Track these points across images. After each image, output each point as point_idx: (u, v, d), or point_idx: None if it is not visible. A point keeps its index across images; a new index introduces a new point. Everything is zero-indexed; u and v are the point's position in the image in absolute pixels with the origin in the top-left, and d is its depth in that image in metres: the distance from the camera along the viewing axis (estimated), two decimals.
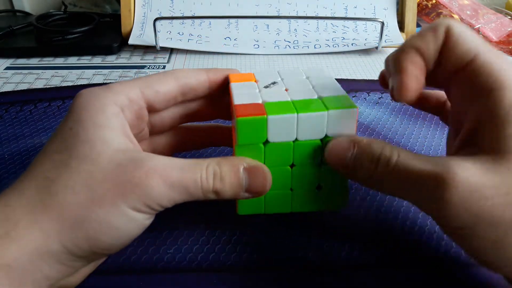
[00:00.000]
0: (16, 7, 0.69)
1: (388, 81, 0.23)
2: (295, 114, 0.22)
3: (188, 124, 0.29)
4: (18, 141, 0.36)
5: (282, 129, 0.22)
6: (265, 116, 0.22)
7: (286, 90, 0.25)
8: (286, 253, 0.25)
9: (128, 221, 0.20)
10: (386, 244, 0.26)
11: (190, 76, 0.25)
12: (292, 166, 0.24)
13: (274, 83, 0.25)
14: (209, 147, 0.30)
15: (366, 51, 0.55)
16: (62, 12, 0.61)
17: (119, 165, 0.20)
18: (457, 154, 0.20)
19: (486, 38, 0.58)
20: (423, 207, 0.20)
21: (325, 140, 0.23)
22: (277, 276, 0.24)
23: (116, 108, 0.22)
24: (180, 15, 0.57)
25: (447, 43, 0.21)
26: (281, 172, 0.24)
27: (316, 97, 0.23)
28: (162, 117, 0.27)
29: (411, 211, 0.28)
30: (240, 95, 0.24)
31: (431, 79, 0.22)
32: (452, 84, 0.22)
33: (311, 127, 0.22)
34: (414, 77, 0.21)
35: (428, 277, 0.24)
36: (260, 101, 0.23)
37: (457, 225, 0.18)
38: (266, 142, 0.23)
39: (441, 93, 0.27)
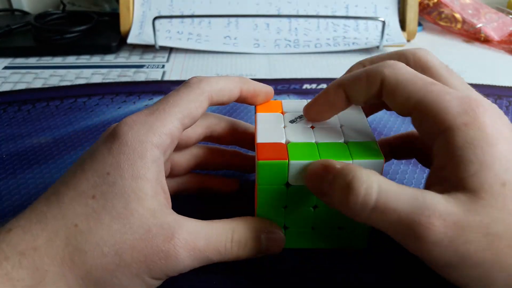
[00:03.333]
0: (15, 6, 0.68)
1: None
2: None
3: (209, 145, 0.29)
4: (16, 141, 0.35)
5: (303, 174, 0.21)
6: (287, 161, 0.21)
7: (312, 127, 0.24)
8: (286, 253, 0.25)
9: (142, 287, 0.20)
10: (386, 244, 0.26)
11: (223, 90, 0.24)
12: (314, 207, 0.23)
13: (301, 117, 0.24)
14: (226, 169, 0.30)
15: (367, 50, 0.55)
16: (60, 11, 0.61)
17: (149, 232, 0.20)
18: (430, 189, 0.19)
19: (488, 37, 0.58)
20: (405, 246, 0.19)
21: None
22: (277, 276, 0.24)
23: (156, 152, 0.21)
24: (180, 14, 0.56)
25: (384, 93, 0.21)
26: (304, 212, 0.23)
27: (342, 140, 0.22)
28: (187, 135, 0.26)
29: None
30: (264, 130, 0.23)
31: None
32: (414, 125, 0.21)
33: None
34: (322, 106, 0.23)
35: (428, 276, 0.24)
36: (283, 141, 0.22)
37: (442, 264, 0.18)
38: (288, 184, 0.22)
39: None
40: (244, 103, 0.26)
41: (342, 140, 0.22)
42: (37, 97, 0.43)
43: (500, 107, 0.42)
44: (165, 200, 0.21)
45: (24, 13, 0.67)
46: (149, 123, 0.21)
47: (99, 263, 0.19)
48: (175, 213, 0.21)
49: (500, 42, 0.58)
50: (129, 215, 0.19)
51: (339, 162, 0.20)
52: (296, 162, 0.21)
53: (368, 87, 0.21)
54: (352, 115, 0.24)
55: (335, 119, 0.24)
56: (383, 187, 0.18)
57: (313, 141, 0.22)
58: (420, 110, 0.20)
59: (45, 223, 0.19)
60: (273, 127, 0.24)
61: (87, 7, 0.68)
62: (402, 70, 0.21)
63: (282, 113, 0.25)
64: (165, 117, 0.21)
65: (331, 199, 0.20)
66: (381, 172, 0.21)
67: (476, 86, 0.24)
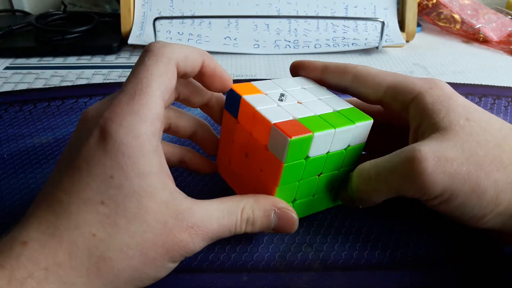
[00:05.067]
0: (16, 6, 0.68)
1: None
2: (333, 130, 0.23)
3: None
4: (18, 141, 0.36)
5: (321, 144, 0.23)
6: (312, 134, 0.22)
7: (300, 103, 0.25)
8: (286, 253, 0.25)
9: (166, 271, 0.21)
10: (386, 244, 0.26)
11: (188, 59, 0.23)
12: (319, 175, 0.25)
13: (282, 95, 0.26)
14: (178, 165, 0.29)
15: (366, 51, 0.55)
16: (61, 12, 0.61)
17: (166, 225, 0.20)
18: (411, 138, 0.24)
19: (486, 37, 0.58)
20: (408, 192, 0.22)
21: (347, 149, 0.25)
22: (277, 276, 0.24)
23: (154, 141, 0.20)
24: (180, 14, 0.57)
25: (356, 82, 0.27)
26: (310, 181, 0.25)
27: (332, 110, 0.25)
28: None
29: (412, 211, 0.28)
30: (266, 110, 0.24)
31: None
32: (384, 108, 0.27)
33: (342, 139, 0.24)
34: (308, 68, 0.29)
35: (428, 277, 0.24)
36: (291, 117, 0.23)
37: (440, 191, 0.21)
38: (307, 157, 0.23)
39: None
40: (200, 82, 0.25)
41: (332, 110, 0.25)
42: (38, 97, 0.43)
43: (499, 107, 0.42)
44: (173, 185, 0.21)
45: (25, 14, 0.67)
46: (135, 111, 0.20)
47: (127, 264, 0.19)
48: (184, 196, 0.21)
49: (499, 43, 0.58)
50: (144, 213, 0.20)
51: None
52: (319, 134, 0.23)
53: (342, 75, 0.27)
54: (320, 91, 0.27)
55: (307, 93, 0.27)
56: (372, 163, 0.24)
57: (313, 113, 0.24)
58: (392, 89, 0.25)
59: (59, 236, 0.19)
60: (270, 107, 0.24)
61: (88, 7, 0.69)
62: (370, 68, 0.27)
63: (263, 93, 0.26)
64: (147, 100, 0.20)
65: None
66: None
67: (475, 87, 0.26)
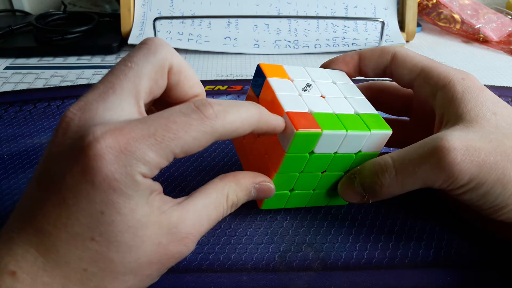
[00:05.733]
0: (16, 6, 0.68)
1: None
2: (345, 132, 0.23)
3: None
4: (18, 141, 0.36)
5: (329, 143, 0.23)
6: (321, 131, 0.22)
7: (323, 97, 0.25)
8: (286, 253, 0.25)
9: (159, 276, 0.21)
10: (386, 244, 0.26)
11: (236, 131, 0.21)
12: (323, 172, 0.25)
13: (308, 85, 0.25)
14: None
15: None
16: (61, 12, 0.61)
17: (160, 244, 0.20)
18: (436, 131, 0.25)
19: (486, 37, 0.58)
20: (435, 183, 0.22)
21: (357, 154, 0.24)
22: (278, 276, 0.24)
23: (148, 181, 0.19)
24: (180, 14, 0.57)
25: (395, 63, 0.27)
26: (312, 176, 0.25)
27: (353, 112, 0.25)
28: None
29: (412, 211, 0.28)
30: (285, 98, 0.24)
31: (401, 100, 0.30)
32: (414, 92, 0.28)
33: (353, 143, 0.24)
34: (342, 61, 0.29)
35: (428, 277, 0.24)
36: (307, 110, 0.23)
37: (467, 180, 0.21)
38: (311, 152, 0.23)
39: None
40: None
41: (353, 112, 0.25)
42: (38, 97, 0.43)
43: None
44: (159, 197, 0.20)
45: (25, 14, 0.67)
46: (141, 153, 0.18)
47: (122, 287, 0.19)
48: (171, 205, 0.20)
49: (499, 43, 0.58)
50: (140, 242, 0.19)
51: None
52: (328, 133, 0.22)
53: (381, 57, 0.28)
54: (345, 83, 0.27)
55: (336, 89, 0.26)
56: (395, 154, 0.24)
57: (331, 111, 0.24)
58: (426, 72, 0.26)
59: (50, 270, 0.18)
60: (290, 95, 0.24)
61: (88, 7, 0.69)
62: (409, 50, 0.28)
63: (289, 79, 0.26)
64: (161, 148, 0.18)
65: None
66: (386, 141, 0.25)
67: None
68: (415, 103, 0.29)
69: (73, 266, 0.18)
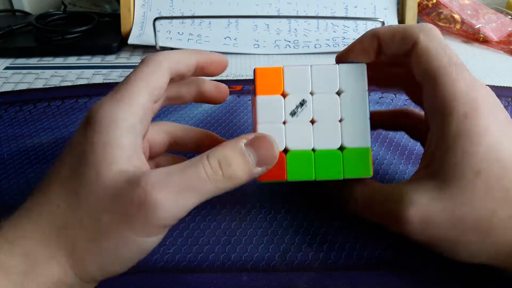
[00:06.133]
0: (16, 6, 0.68)
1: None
2: (313, 180, 0.24)
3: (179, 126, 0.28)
4: (18, 141, 0.36)
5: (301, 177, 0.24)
6: (285, 180, 0.24)
7: (312, 121, 0.24)
8: (286, 253, 0.25)
9: (139, 249, 0.20)
10: (386, 244, 0.26)
11: (181, 61, 0.24)
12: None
13: (301, 104, 0.24)
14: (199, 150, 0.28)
15: None
16: (61, 12, 0.61)
17: (116, 189, 0.19)
18: (419, 172, 0.23)
19: (487, 37, 0.58)
20: (391, 229, 0.23)
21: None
22: (278, 276, 0.24)
23: (130, 122, 0.21)
24: (180, 14, 0.57)
25: (413, 55, 0.23)
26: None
27: (339, 144, 0.24)
28: (153, 141, 0.27)
29: None
30: (266, 129, 0.23)
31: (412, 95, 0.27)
32: (423, 102, 0.23)
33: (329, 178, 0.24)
34: (356, 54, 0.25)
35: (428, 277, 0.24)
36: (283, 147, 0.24)
37: (421, 242, 0.22)
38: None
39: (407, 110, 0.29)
40: (203, 75, 0.26)
41: (338, 144, 0.24)
42: (38, 97, 0.43)
43: None
44: (141, 162, 0.21)
45: (25, 14, 0.67)
46: (117, 99, 0.21)
47: (81, 235, 0.19)
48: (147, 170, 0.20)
49: (499, 43, 0.58)
50: (101, 182, 0.19)
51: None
52: (294, 181, 0.24)
53: (402, 43, 0.23)
54: (355, 103, 0.24)
55: (336, 105, 0.24)
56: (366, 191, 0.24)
57: (311, 145, 0.24)
58: (433, 83, 0.21)
59: (30, 212, 0.20)
60: (271, 127, 0.24)
61: (88, 7, 0.69)
62: (434, 40, 0.22)
63: (283, 93, 0.24)
64: (132, 91, 0.21)
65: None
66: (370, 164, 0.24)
67: None
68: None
69: (51, 203, 0.20)
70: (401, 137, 0.36)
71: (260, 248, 0.26)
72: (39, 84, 0.46)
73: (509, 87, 0.46)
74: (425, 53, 0.22)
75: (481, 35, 0.59)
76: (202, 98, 0.28)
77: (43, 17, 0.58)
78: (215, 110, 0.40)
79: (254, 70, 0.24)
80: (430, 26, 0.23)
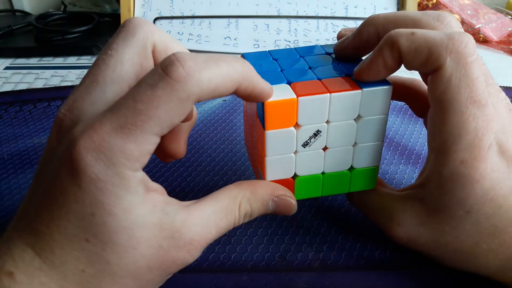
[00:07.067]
0: (16, 6, 0.68)
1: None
2: (320, 194, 0.24)
3: None
4: (18, 141, 0.36)
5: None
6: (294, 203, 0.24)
7: (326, 148, 0.22)
8: (286, 253, 0.25)
9: (163, 282, 0.20)
10: (386, 244, 0.26)
11: (217, 90, 0.18)
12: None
13: (316, 134, 0.22)
14: None
15: None
16: (61, 12, 0.61)
17: (161, 248, 0.19)
18: (413, 188, 0.23)
19: (486, 37, 0.58)
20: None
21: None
22: (278, 276, 0.24)
23: (139, 175, 0.18)
24: (180, 14, 0.57)
25: (435, 79, 0.20)
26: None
27: (349, 166, 0.24)
28: None
29: None
30: (273, 162, 0.22)
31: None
32: (427, 121, 0.22)
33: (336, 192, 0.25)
34: (376, 70, 0.21)
35: (428, 277, 0.24)
36: (292, 174, 0.23)
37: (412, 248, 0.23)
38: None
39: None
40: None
41: (349, 166, 0.24)
42: (38, 97, 0.43)
43: None
44: (163, 198, 0.19)
45: (25, 14, 0.67)
46: (119, 147, 0.17)
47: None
48: (177, 208, 0.19)
49: (499, 43, 0.58)
50: (137, 244, 0.18)
51: None
52: (299, 200, 0.24)
53: (425, 63, 0.20)
54: (373, 128, 0.22)
55: (352, 132, 0.22)
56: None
57: (320, 171, 0.23)
58: (441, 119, 0.20)
59: (46, 271, 0.17)
60: (281, 158, 0.22)
61: (88, 8, 0.69)
62: (460, 67, 0.20)
63: (296, 124, 0.21)
64: (137, 135, 0.17)
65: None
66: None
67: None
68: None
69: (70, 267, 0.18)
70: (401, 137, 0.36)
71: (260, 248, 0.26)
72: (39, 84, 0.46)
73: (509, 87, 0.46)
74: (446, 81, 0.20)
75: (481, 35, 0.59)
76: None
77: (43, 17, 0.58)
78: (215, 110, 0.40)
79: (263, 104, 0.20)
80: (465, 42, 0.20)
